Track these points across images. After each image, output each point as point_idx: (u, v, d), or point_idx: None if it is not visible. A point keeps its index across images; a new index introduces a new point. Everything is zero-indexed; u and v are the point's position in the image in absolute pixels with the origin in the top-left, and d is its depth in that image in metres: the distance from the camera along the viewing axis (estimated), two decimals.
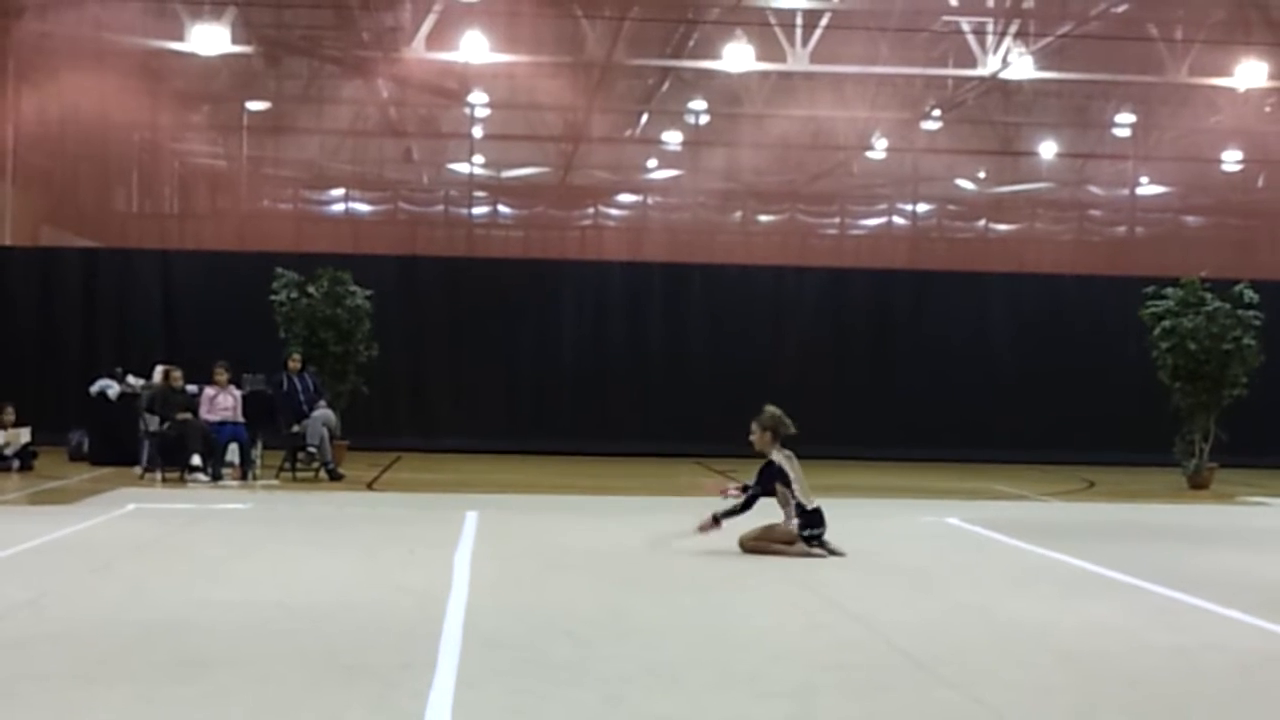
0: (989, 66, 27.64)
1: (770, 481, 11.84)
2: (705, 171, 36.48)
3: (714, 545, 11.76)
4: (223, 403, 18.28)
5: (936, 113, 33.48)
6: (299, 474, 18.60)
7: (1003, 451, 24.24)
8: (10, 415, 19.01)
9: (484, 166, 37.50)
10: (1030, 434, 24.73)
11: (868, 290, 26.45)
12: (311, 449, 18.62)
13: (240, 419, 18.30)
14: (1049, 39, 26.91)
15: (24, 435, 19.09)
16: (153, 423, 18.36)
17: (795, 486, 11.79)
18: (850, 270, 28.47)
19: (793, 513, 11.75)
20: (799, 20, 27.21)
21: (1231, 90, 29.41)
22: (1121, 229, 37.81)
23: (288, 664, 7.19)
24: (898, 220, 37.96)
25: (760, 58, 27.70)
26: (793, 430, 11.95)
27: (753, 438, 11.99)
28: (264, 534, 12.77)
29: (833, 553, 11.71)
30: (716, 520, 11.73)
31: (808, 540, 11.69)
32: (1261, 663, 7.87)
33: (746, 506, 11.80)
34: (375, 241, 32.37)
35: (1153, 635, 8.60)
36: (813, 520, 11.75)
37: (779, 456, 11.88)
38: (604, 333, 25.68)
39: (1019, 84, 31.59)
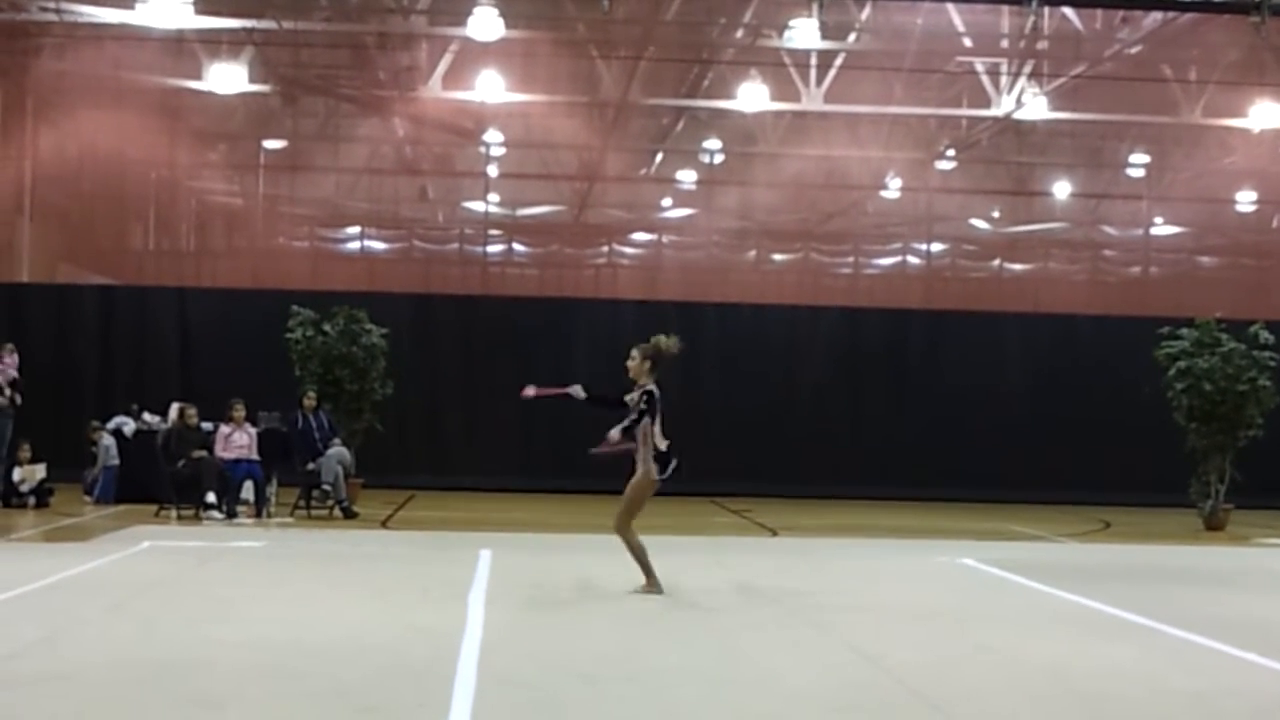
0: (1003, 107, 27.70)
1: (653, 410, 11.48)
2: (719, 210, 36.50)
3: (729, 586, 11.72)
4: (238, 440, 18.34)
5: (951, 153, 33.51)
6: (313, 512, 18.63)
7: (1018, 492, 24.17)
8: (27, 452, 19.09)
9: (499, 205, 37.54)
10: (1045, 474, 24.66)
11: (882, 330, 26.43)
12: (326, 487, 18.69)
13: (255, 457, 18.36)
14: (1063, 80, 26.96)
15: (40, 472, 19.17)
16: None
17: (659, 423, 11.53)
18: (864, 310, 28.42)
19: (650, 454, 11.48)
20: (813, 60, 27.29)
21: (1246, 131, 29.41)
22: (1136, 269, 37.73)
23: (300, 704, 7.18)
24: (912, 260, 37.90)
25: (775, 97, 27.76)
26: (675, 351, 11.71)
27: (631, 363, 11.80)
28: (278, 572, 12.77)
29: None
30: (623, 434, 11.39)
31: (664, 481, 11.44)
32: (1278, 707, 7.82)
33: (630, 428, 11.45)
34: (390, 279, 32.41)
35: (1170, 679, 8.56)
36: (665, 460, 11.52)
37: (652, 387, 11.63)
38: (618, 371, 25.58)
39: (1033, 124, 31.59)
